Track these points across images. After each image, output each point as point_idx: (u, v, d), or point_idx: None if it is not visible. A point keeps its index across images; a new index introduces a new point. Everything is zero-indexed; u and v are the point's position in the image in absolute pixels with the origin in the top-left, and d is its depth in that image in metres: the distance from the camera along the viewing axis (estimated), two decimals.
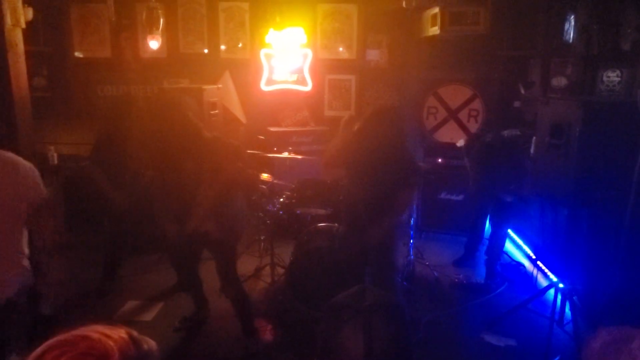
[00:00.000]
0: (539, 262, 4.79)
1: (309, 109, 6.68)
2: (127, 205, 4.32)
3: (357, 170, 3.69)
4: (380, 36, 6.53)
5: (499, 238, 4.80)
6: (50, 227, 2.60)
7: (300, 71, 6.50)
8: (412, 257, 4.82)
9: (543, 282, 4.58)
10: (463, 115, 6.34)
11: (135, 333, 0.99)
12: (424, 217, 5.86)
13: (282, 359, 3.67)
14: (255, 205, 4.85)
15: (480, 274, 4.97)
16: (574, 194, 3.47)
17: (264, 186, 4.80)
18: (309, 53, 6.45)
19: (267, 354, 3.69)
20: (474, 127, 6.25)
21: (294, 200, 4.81)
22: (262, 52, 6.40)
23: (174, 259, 4.12)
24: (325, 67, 6.60)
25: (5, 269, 2.42)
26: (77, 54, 6.55)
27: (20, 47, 3.82)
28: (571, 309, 3.77)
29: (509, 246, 5.41)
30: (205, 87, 5.46)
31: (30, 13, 3.94)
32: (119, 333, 0.95)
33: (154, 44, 6.09)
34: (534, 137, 4.34)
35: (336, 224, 4.36)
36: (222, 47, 6.55)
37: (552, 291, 3.76)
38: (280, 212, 4.77)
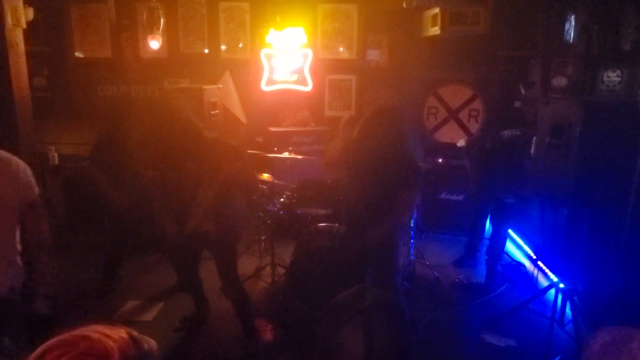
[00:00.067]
0: (539, 262, 4.79)
1: (309, 109, 6.68)
2: (127, 205, 4.32)
3: (358, 171, 3.69)
4: (380, 36, 6.53)
5: (499, 238, 4.80)
6: (43, 225, 2.59)
7: (300, 71, 6.50)
8: (412, 257, 4.82)
9: (543, 282, 4.58)
10: (463, 115, 6.34)
11: (135, 333, 0.99)
12: (424, 217, 5.86)
13: (282, 359, 3.67)
14: (255, 205, 4.85)
15: (480, 274, 4.97)
16: (575, 194, 3.47)
17: (264, 186, 4.80)
18: (309, 53, 6.45)
19: (267, 354, 3.69)
20: (474, 127, 6.25)
21: (294, 200, 4.81)
22: (263, 52, 6.41)
23: (174, 259, 4.12)
24: (325, 67, 6.60)
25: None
26: (77, 54, 6.56)
27: (21, 47, 3.82)
28: (571, 309, 3.77)
29: (509, 246, 5.41)
30: (206, 87, 5.46)
31: (30, 13, 3.94)
32: (119, 333, 0.95)
33: (154, 44, 6.10)
34: (534, 137, 4.33)
35: (336, 224, 4.36)
36: (223, 47, 6.55)
37: (552, 291, 3.76)
38: (281, 212, 4.77)
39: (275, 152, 5.22)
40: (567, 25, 5.31)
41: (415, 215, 4.89)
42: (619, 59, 4.70)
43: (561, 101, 3.91)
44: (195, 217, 3.36)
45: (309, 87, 6.57)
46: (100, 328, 0.95)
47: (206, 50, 6.55)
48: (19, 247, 2.55)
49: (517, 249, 5.56)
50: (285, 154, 5.07)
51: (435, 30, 5.66)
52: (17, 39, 3.79)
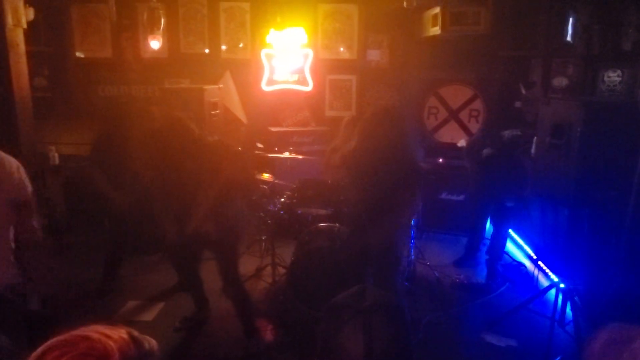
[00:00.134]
0: (540, 262, 4.79)
1: (309, 109, 6.68)
2: (127, 205, 4.32)
3: (359, 172, 3.68)
4: (381, 36, 6.53)
5: (500, 238, 4.80)
6: (36, 223, 2.60)
7: (301, 71, 6.50)
8: (412, 257, 4.82)
9: (544, 282, 4.58)
10: (464, 115, 6.34)
11: (136, 333, 0.99)
12: (424, 217, 5.85)
13: (283, 359, 3.67)
14: (256, 205, 4.85)
15: (481, 274, 4.97)
16: (575, 194, 3.47)
17: (265, 186, 4.80)
18: (310, 53, 6.45)
19: (267, 354, 3.69)
20: (474, 127, 6.25)
21: (294, 200, 4.81)
22: (263, 52, 6.40)
23: (174, 259, 4.12)
24: (326, 67, 6.60)
25: None
26: (78, 54, 6.56)
27: (22, 47, 3.82)
28: (572, 309, 3.76)
29: (510, 246, 5.41)
30: (206, 87, 5.47)
31: (31, 13, 3.95)
32: (120, 333, 0.95)
33: (155, 44, 6.10)
34: (535, 138, 4.33)
35: (337, 224, 4.36)
36: (223, 47, 6.55)
37: (553, 291, 3.76)
38: (281, 212, 4.77)
39: (275, 152, 5.22)
40: (567, 26, 5.31)
41: (416, 216, 4.88)
42: (620, 59, 4.71)
43: (562, 101, 3.91)
44: (196, 218, 3.36)
45: (309, 87, 6.57)
46: (101, 328, 0.95)
47: (207, 50, 6.55)
48: (13, 245, 2.55)
49: (518, 249, 5.56)
50: (286, 154, 5.07)
51: (435, 30, 5.65)
52: (18, 39, 3.79)
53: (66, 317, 3.71)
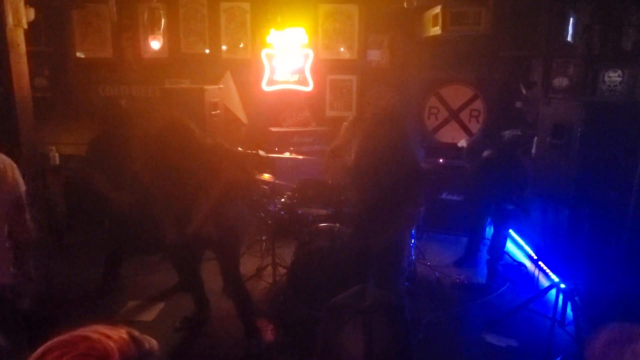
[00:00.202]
0: (540, 263, 4.78)
1: (310, 109, 6.68)
2: (126, 206, 4.32)
3: (361, 172, 3.67)
4: (381, 36, 6.53)
5: (500, 238, 4.79)
6: (28, 222, 2.59)
7: (301, 71, 6.50)
8: (413, 257, 4.81)
9: (544, 283, 4.57)
10: (464, 115, 6.34)
11: (136, 333, 0.99)
12: (425, 217, 5.84)
13: (283, 359, 3.67)
14: (256, 206, 4.85)
15: (481, 274, 4.96)
16: (575, 194, 3.47)
17: (265, 186, 4.80)
18: (310, 53, 6.45)
19: (267, 354, 3.68)
20: (475, 127, 6.25)
21: (295, 201, 4.81)
22: (264, 53, 6.40)
23: (174, 260, 4.12)
24: (326, 68, 6.60)
25: None
26: (78, 54, 6.56)
27: (22, 47, 3.82)
28: (573, 310, 3.76)
29: (510, 246, 5.41)
30: (207, 87, 5.46)
31: (32, 13, 3.94)
32: (120, 333, 0.95)
33: (155, 44, 6.10)
34: (536, 138, 4.33)
35: (337, 224, 4.35)
36: (224, 47, 6.55)
37: (553, 291, 3.75)
38: (282, 212, 4.77)
39: (276, 152, 5.21)
40: (568, 26, 5.31)
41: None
42: (620, 59, 4.70)
43: (562, 101, 3.91)
44: (196, 220, 3.37)
45: (309, 88, 6.57)
46: (101, 328, 0.95)
47: (207, 51, 6.55)
48: (7, 244, 2.55)
49: (518, 249, 5.55)
50: (286, 154, 5.07)
51: (436, 31, 5.65)
52: (19, 39, 3.79)
53: (66, 317, 3.72)
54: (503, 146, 4.69)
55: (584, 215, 3.76)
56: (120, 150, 4.31)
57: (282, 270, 4.69)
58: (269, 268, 4.70)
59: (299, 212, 4.76)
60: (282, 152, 5.14)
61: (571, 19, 5.25)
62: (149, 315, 4.18)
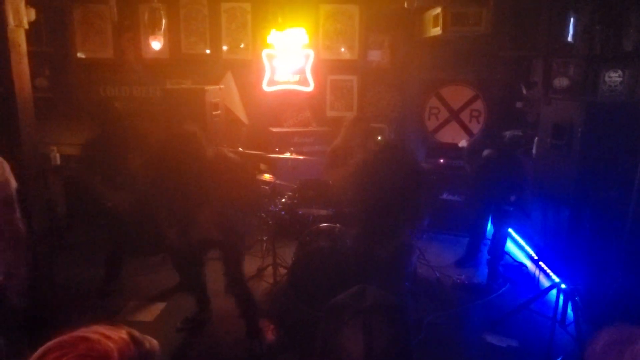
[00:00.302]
0: (541, 263, 4.78)
1: (310, 109, 6.68)
2: (124, 206, 4.32)
3: (366, 199, 3.69)
4: (382, 37, 6.53)
5: (501, 238, 4.79)
6: (18, 220, 2.58)
7: (302, 72, 6.50)
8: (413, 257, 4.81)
9: (545, 283, 4.57)
10: (465, 115, 6.34)
11: (136, 333, 0.99)
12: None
13: (283, 359, 3.67)
14: (257, 206, 4.85)
15: (482, 275, 4.96)
16: (576, 194, 3.47)
17: (266, 187, 4.80)
18: (311, 54, 6.45)
19: (268, 353, 3.69)
20: (475, 127, 6.25)
21: (295, 201, 4.81)
22: (264, 53, 6.41)
23: (175, 261, 4.12)
24: (327, 68, 6.60)
25: None
26: (79, 54, 6.56)
27: (23, 47, 3.82)
28: (573, 310, 3.76)
29: (511, 247, 5.40)
30: (208, 87, 5.47)
31: (32, 14, 3.94)
32: (120, 334, 0.95)
33: (156, 44, 6.10)
34: (536, 138, 4.33)
35: (338, 225, 4.36)
36: (224, 47, 6.55)
37: (554, 292, 3.75)
38: (282, 213, 4.78)
39: (276, 152, 5.22)
40: (568, 26, 5.31)
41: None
42: (621, 59, 4.69)
43: (563, 101, 3.91)
44: (199, 225, 3.39)
45: (310, 88, 6.57)
46: (101, 329, 0.95)
47: (208, 51, 6.55)
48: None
49: (519, 249, 5.55)
50: (287, 155, 5.07)
51: (436, 31, 5.65)
52: (19, 39, 3.79)
53: (66, 317, 3.73)
54: (503, 146, 4.69)
55: (585, 216, 3.76)
56: (114, 151, 4.31)
57: (283, 271, 4.70)
58: (270, 268, 4.71)
59: (300, 212, 4.77)
60: (282, 153, 5.14)
61: (571, 19, 5.24)
62: (150, 315, 4.19)
